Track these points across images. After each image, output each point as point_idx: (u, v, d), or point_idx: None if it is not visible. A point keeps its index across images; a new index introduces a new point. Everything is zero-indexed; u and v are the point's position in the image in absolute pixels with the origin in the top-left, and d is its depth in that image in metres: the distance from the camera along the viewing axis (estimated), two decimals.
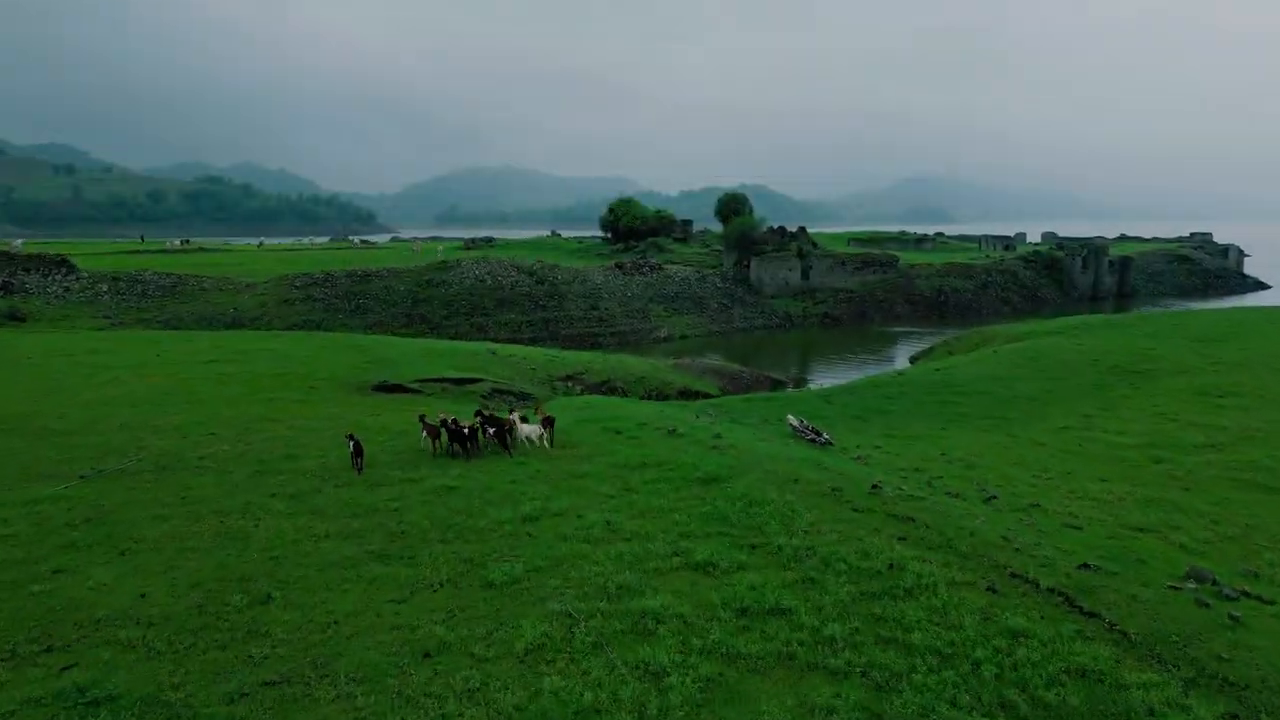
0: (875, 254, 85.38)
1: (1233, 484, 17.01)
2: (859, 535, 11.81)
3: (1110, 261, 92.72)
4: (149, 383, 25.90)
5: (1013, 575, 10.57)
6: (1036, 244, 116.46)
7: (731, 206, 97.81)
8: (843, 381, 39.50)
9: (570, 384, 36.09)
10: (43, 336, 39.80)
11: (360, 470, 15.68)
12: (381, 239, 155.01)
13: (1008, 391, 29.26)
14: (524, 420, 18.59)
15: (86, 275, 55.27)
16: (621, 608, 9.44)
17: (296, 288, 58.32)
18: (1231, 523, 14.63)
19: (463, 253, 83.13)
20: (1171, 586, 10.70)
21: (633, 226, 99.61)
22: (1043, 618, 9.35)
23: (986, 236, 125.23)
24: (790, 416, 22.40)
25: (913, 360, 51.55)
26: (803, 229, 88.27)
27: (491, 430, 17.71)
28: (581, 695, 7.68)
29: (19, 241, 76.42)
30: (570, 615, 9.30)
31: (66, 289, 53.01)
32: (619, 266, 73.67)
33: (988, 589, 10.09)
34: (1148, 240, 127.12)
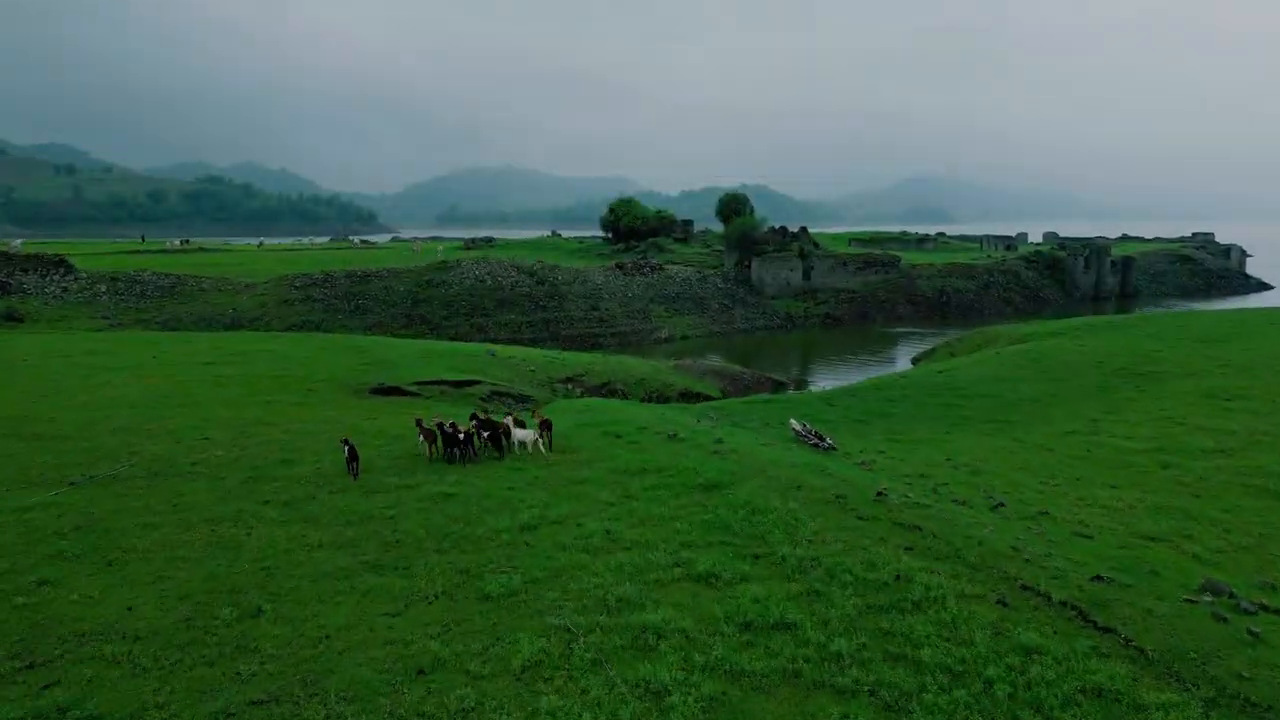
0: (877, 254, 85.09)
1: (1244, 490, 16.67)
2: (864, 545, 11.53)
3: (1113, 262, 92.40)
4: (146, 385, 25.65)
5: (1024, 587, 10.27)
6: (1038, 244, 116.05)
7: (732, 206, 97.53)
8: (844, 383, 39.25)
9: (570, 386, 35.82)
10: (40, 337, 39.58)
11: (355, 476, 15.43)
12: (381, 239, 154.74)
13: (1012, 394, 28.95)
14: (520, 424, 18.33)
15: (85, 275, 55.04)
16: (621, 622, 9.17)
17: (296, 288, 58.10)
18: (1244, 531, 14.31)
19: (463, 253, 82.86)
20: (1187, 600, 10.37)
21: (633, 227, 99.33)
22: (1056, 633, 9.06)
23: (988, 237, 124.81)
24: (793, 420, 22.12)
25: (915, 361, 51.28)
26: (804, 229, 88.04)
27: (486, 434, 17.48)
28: (580, 716, 7.41)
29: (18, 241, 76.22)
30: (569, 630, 9.04)
31: (64, 289, 52.79)
32: (619, 267, 73.40)
33: (998, 602, 9.80)
34: (1149, 240, 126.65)
